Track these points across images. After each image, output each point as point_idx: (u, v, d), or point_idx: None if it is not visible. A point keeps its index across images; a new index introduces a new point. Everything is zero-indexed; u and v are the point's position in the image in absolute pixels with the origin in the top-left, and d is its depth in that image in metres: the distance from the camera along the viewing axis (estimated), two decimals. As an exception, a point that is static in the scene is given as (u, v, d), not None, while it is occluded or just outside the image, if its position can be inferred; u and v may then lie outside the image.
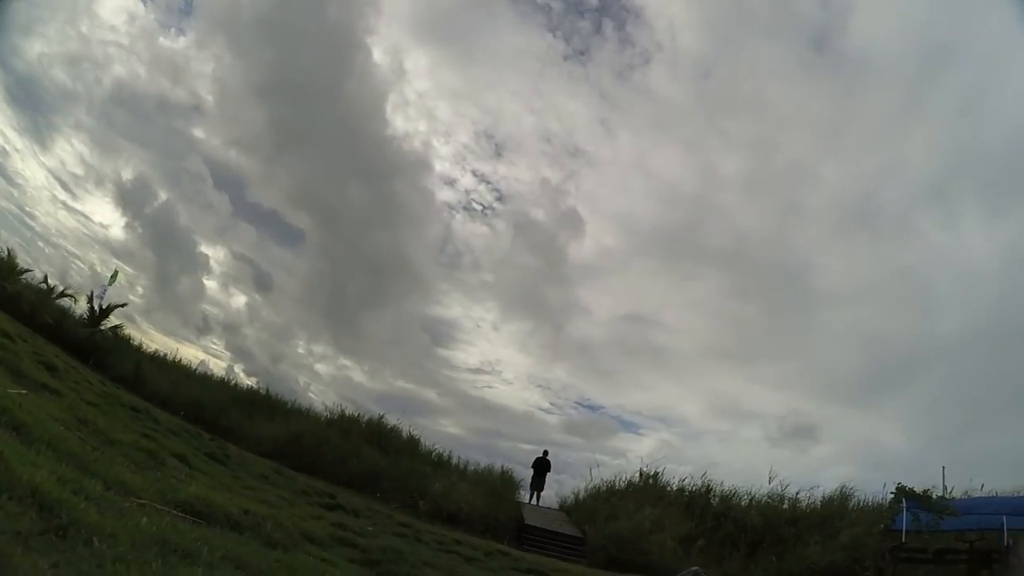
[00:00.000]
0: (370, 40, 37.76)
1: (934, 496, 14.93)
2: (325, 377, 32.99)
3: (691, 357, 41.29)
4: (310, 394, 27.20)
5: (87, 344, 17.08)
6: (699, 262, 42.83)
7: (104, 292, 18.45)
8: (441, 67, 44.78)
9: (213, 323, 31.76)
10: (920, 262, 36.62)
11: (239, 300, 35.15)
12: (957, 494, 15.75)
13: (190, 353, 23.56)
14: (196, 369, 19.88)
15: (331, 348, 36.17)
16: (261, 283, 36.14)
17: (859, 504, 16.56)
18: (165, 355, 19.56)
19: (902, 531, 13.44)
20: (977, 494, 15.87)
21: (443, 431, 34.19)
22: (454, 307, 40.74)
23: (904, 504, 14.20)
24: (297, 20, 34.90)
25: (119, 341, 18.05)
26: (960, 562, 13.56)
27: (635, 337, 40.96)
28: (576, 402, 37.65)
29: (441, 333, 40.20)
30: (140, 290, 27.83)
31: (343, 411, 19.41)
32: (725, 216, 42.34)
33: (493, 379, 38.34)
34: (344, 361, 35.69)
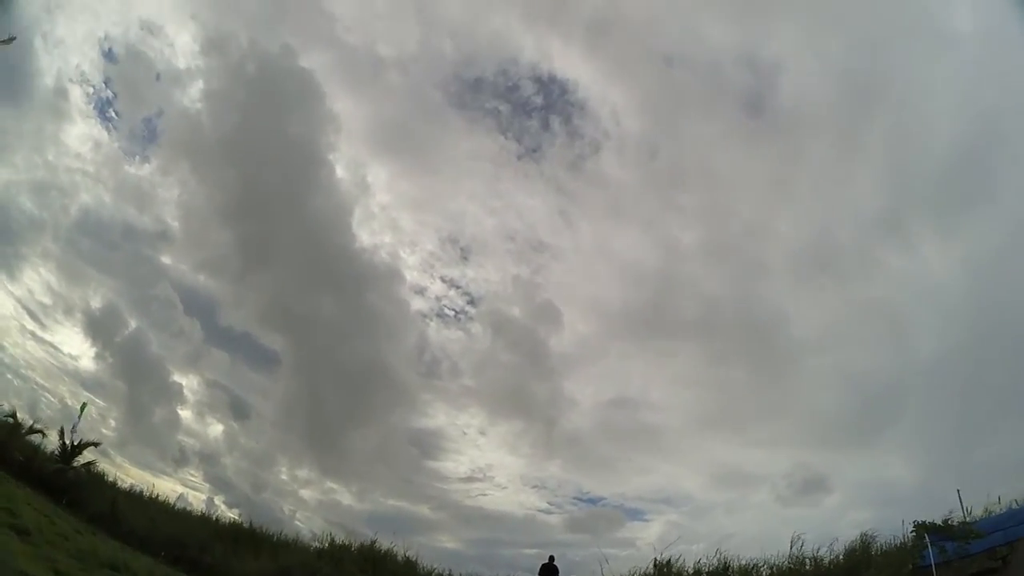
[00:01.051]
0: (332, 156, 39.24)
1: (955, 523, 14.87)
2: (311, 503, 30.82)
3: (683, 432, 40.60)
4: (296, 522, 25.29)
5: (60, 482, 16.01)
6: (674, 335, 43.77)
7: (75, 427, 17.66)
8: (400, 179, 47.03)
9: (190, 454, 29.88)
10: (886, 292, 38.11)
11: (216, 429, 33.43)
12: (978, 511, 15.51)
13: (167, 487, 22.01)
14: (175, 504, 18.59)
15: (315, 472, 34.17)
16: (237, 410, 34.66)
17: (882, 548, 16.07)
18: (141, 491, 18.34)
19: (932, 567, 13.19)
20: (997, 507, 15.57)
21: (441, 547, 31.77)
22: (438, 416, 39.65)
23: (927, 539, 14.10)
24: (259, 140, 36.26)
25: (93, 478, 16.93)
26: None
27: (624, 421, 40.33)
28: (575, 498, 36.00)
29: (428, 444, 38.76)
30: (112, 423, 26.36)
31: (332, 539, 18.13)
32: (692, 286, 44.06)
33: (486, 486, 36.59)
34: (330, 484, 33.61)
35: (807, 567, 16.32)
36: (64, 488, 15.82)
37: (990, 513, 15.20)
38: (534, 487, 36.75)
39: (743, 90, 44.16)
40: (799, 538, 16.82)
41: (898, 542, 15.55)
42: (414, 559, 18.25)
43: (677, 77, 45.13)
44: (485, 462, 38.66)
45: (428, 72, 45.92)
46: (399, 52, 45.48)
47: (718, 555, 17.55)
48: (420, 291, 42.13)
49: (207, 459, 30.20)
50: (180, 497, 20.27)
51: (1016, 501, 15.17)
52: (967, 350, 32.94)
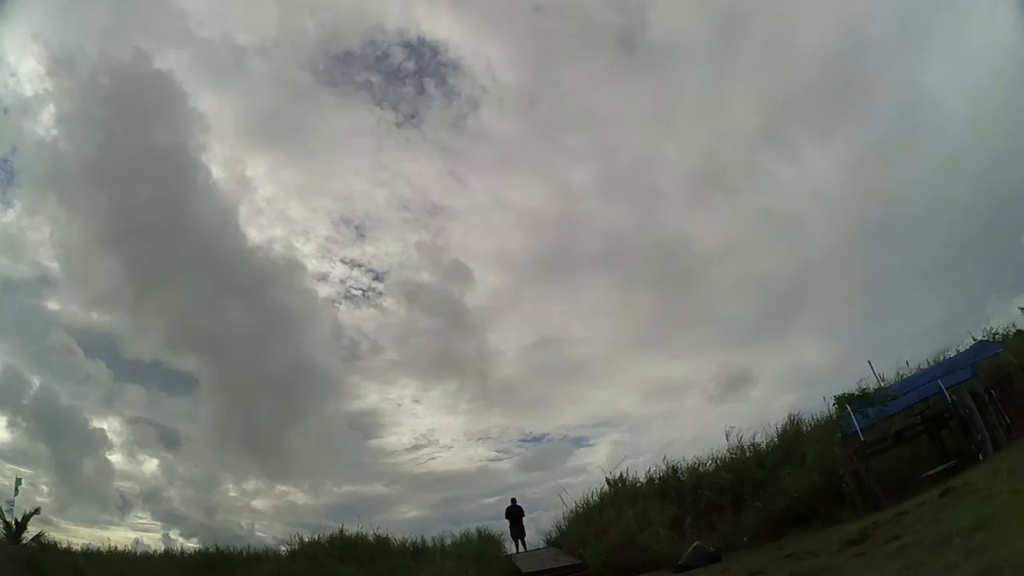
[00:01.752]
0: (205, 157, 37.60)
1: (871, 390, 16.02)
2: (267, 511, 30.52)
3: (609, 358, 42.13)
4: (258, 533, 25.14)
5: (15, 563, 15.85)
6: (583, 271, 45.10)
7: (13, 505, 17.43)
8: (281, 168, 46.15)
9: (131, 497, 29.12)
10: (776, 199, 40.79)
11: (150, 465, 32.60)
12: (891, 378, 16.94)
13: (120, 536, 21.63)
14: (135, 551, 18.42)
15: (263, 480, 33.77)
16: (167, 440, 33.73)
17: (811, 423, 17.16)
18: (98, 548, 18.14)
19: (858, 432, 14.36)
20: (907, 371, 17.17)
21: (404, 518, 32.14)
22: (370, 396, 39.84)
23: (849, 408, 15.12)
24: (125, 156, 34.17)
25: (46, 549, 16.77)
26: (919, 434, 14.44)
27: (551, 359, 41.58)
28: (520, 440, 36.85)
29: (367, 425, 38.95)
30: (45, 488, 25.49)
31: (301, 539, 18.30)
32: (592, 222, 45.51)
33: (432, 450, 37.06)
34: (281, 487, 33.32)
35: (747, 454, 17.36)
36: (21, 569, 15.68)
37: (902, 377, 16.79)
38: (479, 439, 37.59)
39: (614, 29, 45.66)
40: (733, 429, 18.18)
41: (824, 417, 16.63)
42: (385, 536, 18.56)
43: (547, 23, 46.31)
44: (426, 428, 39.16)
45: (292, 54, 45.07)
46: (259, 38, 44.47)
47: (665, 462, 18.44)
48: (323, 277, 41.95)
49: (150, 498, 29.49)
50: (135, 542, 19.94)
51: (925, 362, 17.12)
52: (857, 240, 35.74)
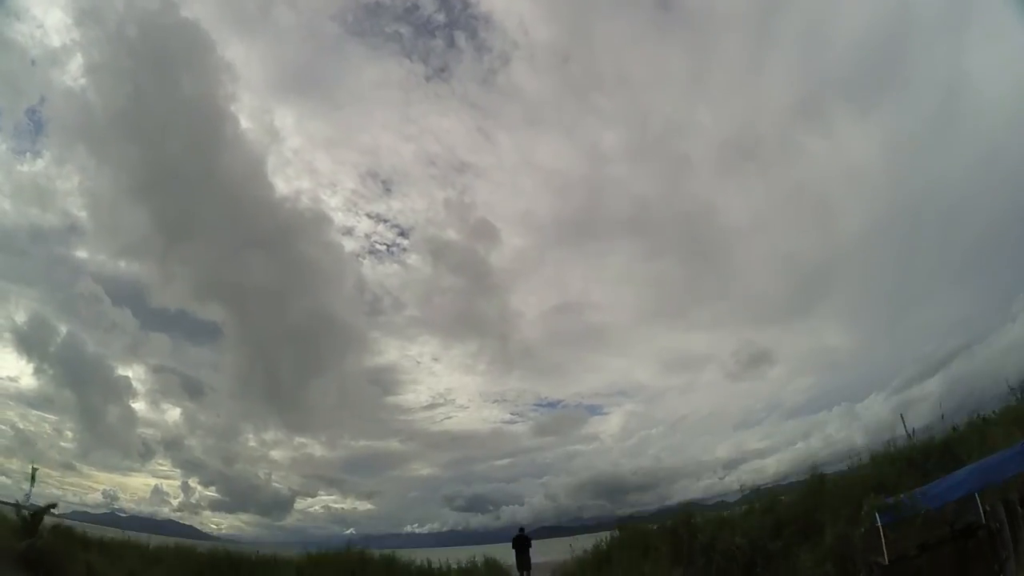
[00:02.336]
0: (234, 108, 37.14)
1: (905, 499, 15.10)
2: (283, 462, 31.86)
3: (628, 326, 42.59)
4: (274, 484, 26.19)
5: (31, 556, 16.22)
6: (608, 236, 44.51)
7: (29, 495, 17.69)
8: (309, 119, 45.34)
9: (154, 444, 30.56)
10: (810, 175, 39.61)
11: (173, 413, 34.01)
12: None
13: (140, 482, 22.53)
14: (148, 545, 18.83)
15: (282, 432, 35.40)
16: (190, 389, 35.07)
17: (836, 481, 16.50)
18: (112, 539, 18.62)
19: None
20: (939, 424, 15.98)
21: (416, 475, 33.64)
22: (390, 352, 40.58)
23: (878, 518, 14.26)
24: (154, 106, 34.21)
25: (60, 542, 17.16)
26: (944, 545, 13.75)
27: (571, 325, 42.23)
28: (535, 404, 38.14)
29: (385, 381, 40.06)
30: (69, 434, 26.65)
31: (309, 554, 18.45)
32: (619, 187, 44.56)
33: (449, 409, 38.40)
34: (299, 439, 34.81)
35: (765, 517, 16.80)
36: (37, 560, 16.03)
37: (933, 436, 16.45)
38: (495, 401, 38.76)
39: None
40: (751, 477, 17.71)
41: (851, 471, 15.82)
42: (390, 555, 18.73)
43: (583, -23, 42.84)
44: (444, 387, 40.00)
45: (321, 3, 43.13)
46: (286, -15, 41.88)
47: (680, 507, 17.79)
48: (348, 231, 41.56)
49: (172, 445, 30.70)
50: (155, 489, 20.44)
51: (955, 428, 16.39)
52: (890, 225, 34.17)
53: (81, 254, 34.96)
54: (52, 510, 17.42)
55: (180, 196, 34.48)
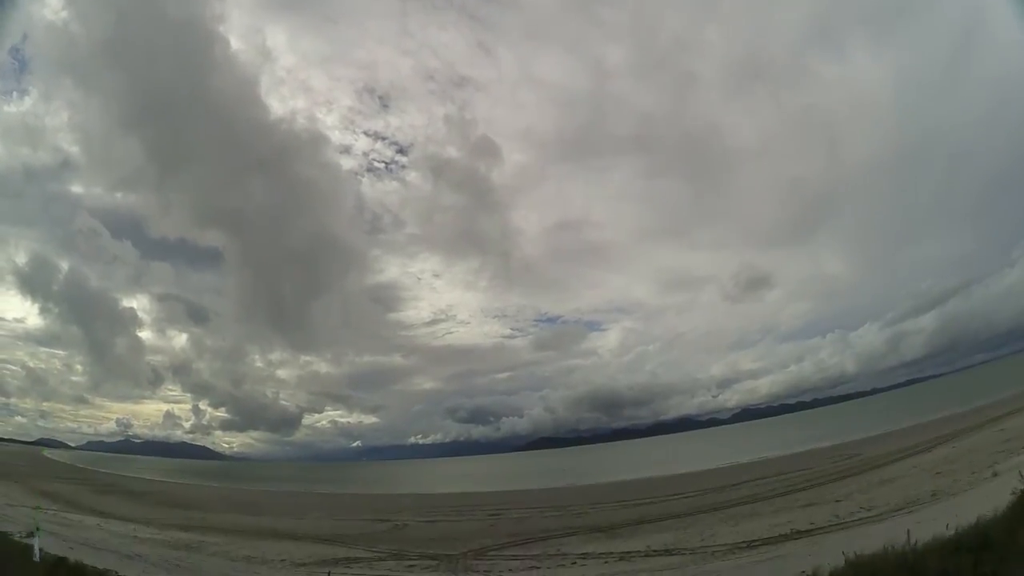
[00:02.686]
0: (223, 28, 34.49)
1: None
2: (290, 380, 31.68)
3: (629, 244, 41.73)
4: (282, 402, 25.70)
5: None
6: (610, 153, 42.60)
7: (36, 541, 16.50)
8: (302, 35, 42.12)
9: (162, 371, 30.07)
10: (819, 100, 37.73)
11: (179, 340, 33.49)
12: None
13: (152, 408, 22.03)
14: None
15: (287, 351, 35.21)
16: (195, 315, 34.59)
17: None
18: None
19: None
20: None
21: (419, 389, 33.55)
22: (391, 269, 39.60)
23: None
24: (141, 32, 31.23)
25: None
26: None
27: (571, 242, 41.46)
28: (535, 320, 38.10)
29: (387, 298, 39.65)
30: (79, 368, 25.81)
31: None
32: (623, 103, 42.31)
33: (450, 325, 38.20)
34: (305, 358, 34.64)
35: None
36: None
37: None
38: (495, 317, 38.91)
39: None
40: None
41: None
42: None
43: None
44: (445, 303, 39.50)
45: None
46: None
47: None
48: (346, 150, 39.55)
49: (180, 371, 30.29)
50: (167, 414, 19.69)
51: None
52: (897, 158, 32.26)
53: (76, 189, 32.65)
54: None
55: (172, 124, 31.77)
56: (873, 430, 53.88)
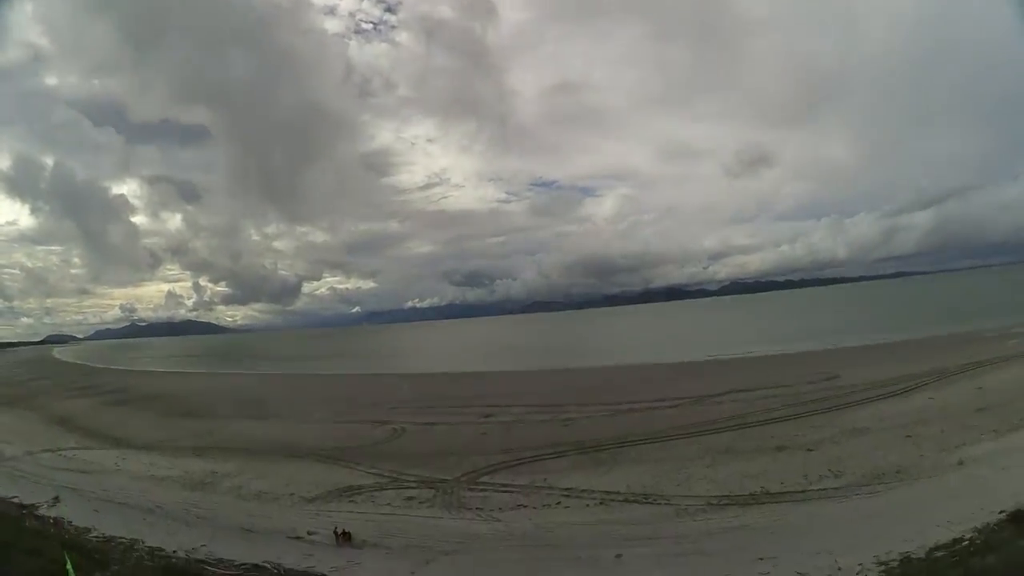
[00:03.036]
0: None
1: None
2: (288, 251, 32.30)
3: (628, 110, 40.62)
4: (281, 272, 26.59)
5: None
6: (613, 14, 39.62)
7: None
8: None
9: (160, 253, 30.69)
10: None
11: (174, 220, 33.81)
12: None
13: (154, 290, 22.84)
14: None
15: (283, 223, 35.53)
16: (187, 194, 34.65)
17: None
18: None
19: None
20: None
21: (415, 253, 34.78)
22: (383, 135, 39.00)
23: None
24: None
25: None
26: None
27: (569, 106, 40.18)
28: (531, 184, 38.17)
29: (380, 163, 39.50)
30: (77, 261, 26.27)
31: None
32: None
33: (444, 189, 38.45)
34: (301, 229, 35.05)
35: None
36: None
37: None
38: (490, 181, 38.58)
39: None
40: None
41: None
42: None
43: None
44: (439, 167, 39.17)
45: None
46: None
47: None
48: (330, 11, 36.12)
49: (178, 251, 30.91)
50: (169, 294, 20.08)
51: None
52: (915, 45, 29.07)
53: (51, 81, 29.70)
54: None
55: (143, 0, 27.70)
56: (854, 334, 55.83)
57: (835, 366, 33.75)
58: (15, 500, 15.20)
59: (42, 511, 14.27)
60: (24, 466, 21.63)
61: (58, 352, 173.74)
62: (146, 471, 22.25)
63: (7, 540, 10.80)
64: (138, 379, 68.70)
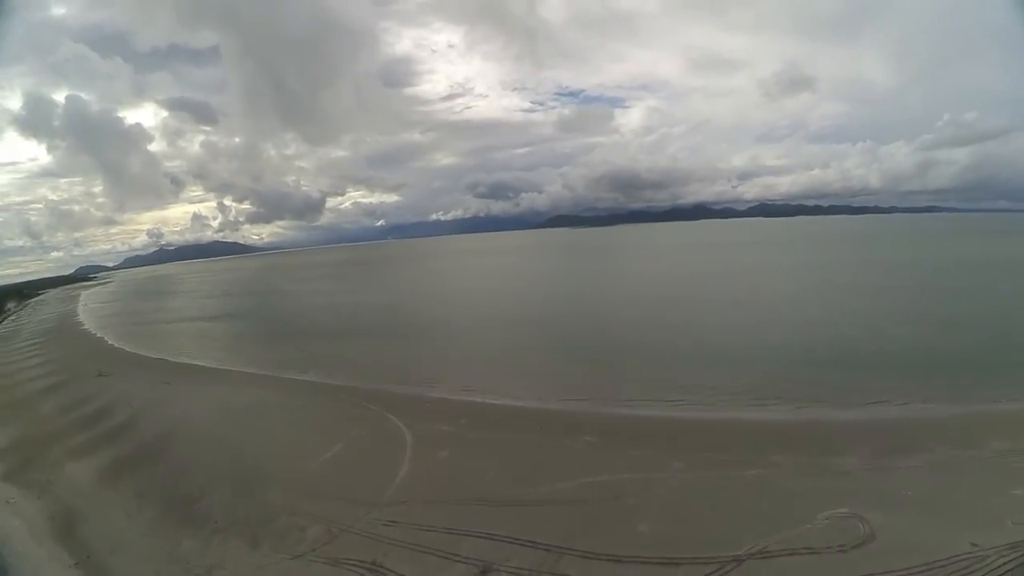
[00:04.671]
0: None
1: None
2: (310, 168, 30.96)
3: (659, 15, 34.73)
4: (303, 188, 26.72)
5: None
6: None
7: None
8: None
9: (182, 176, 29.28)
10: None
11: (192, 144, 30.98)
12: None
13: (179, 212, 22.99)
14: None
15: (303, 143, 32.99)
16: (203, 117, 31.75)
17: None
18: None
19: None
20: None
21: (439, 165, 33.48)
22: (403, 41, 35.42)
23: None
24: None
25: None
26: None
27: (597, 8, 34.66)
28: (556, 93, 35.23)
29: (401, 73, 35.72)
30: (97, 192, 25.34)
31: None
32: None
33: (468, 99, 35.84)
34: (322, 149, 33.06)
35: None
36: None
37: None
38: (515, 90, 36.16)
39: None
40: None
41: None
42: None
43: None
44: (462, 76, 36.42)
45: None
46: None
47: None
48: None
49: (200, 174, 29.52)
50: (194, 216, 20.96)
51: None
52: None
53: (57, 11, 27.03)
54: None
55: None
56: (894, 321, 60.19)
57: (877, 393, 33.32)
58: None
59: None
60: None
61: (83, 312, 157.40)
62: None
63: None
64: (170, 394, 55.86)
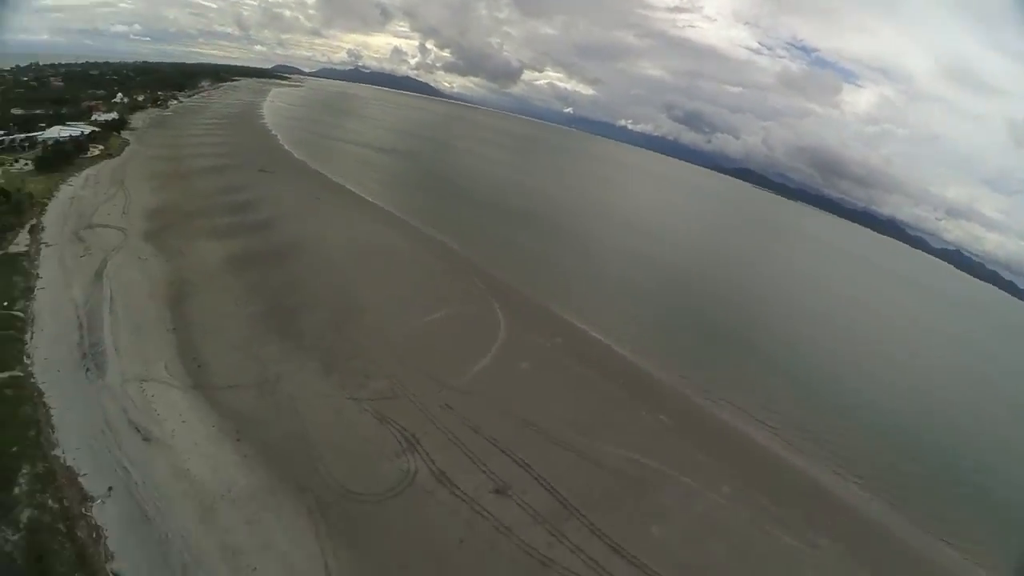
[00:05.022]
0: None
1: None
2: (517, 38, 32.62)
3: (924, 2, 29.43)
4: (504, 52, 28.90)
5: None
6: None
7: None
8: None
9: (391, 9, 32.01)
10: None
11: None
12: None
13: (382, 41, 25.52)
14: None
15: (516, 10, 34.15)
16: None
17: None
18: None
19: None
20: None
21: (642, 73, 34.15)
22: None
23: None
24: None
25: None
26: None
27: None
28: (788, 43, 31.42)
29: None
30: (311, 1, 27.35)
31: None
32: None
33: (694, 17, 34.74)
34: (533, 21, 34.62)
35: None
36: None
37: None
38: (746, 23, 33.08)
39: None
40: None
41: None
42: None
43: None
44: None
45: None
46: None
47: None
48: None
49: (409, 12, 31.77)
50: (394, 50, 23.59)
51: None
52: None
53: None
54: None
55: None
56: None
57: None
58: None
59: None
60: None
61: (268, 109, 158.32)
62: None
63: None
64: (315, 209, 58.13)
